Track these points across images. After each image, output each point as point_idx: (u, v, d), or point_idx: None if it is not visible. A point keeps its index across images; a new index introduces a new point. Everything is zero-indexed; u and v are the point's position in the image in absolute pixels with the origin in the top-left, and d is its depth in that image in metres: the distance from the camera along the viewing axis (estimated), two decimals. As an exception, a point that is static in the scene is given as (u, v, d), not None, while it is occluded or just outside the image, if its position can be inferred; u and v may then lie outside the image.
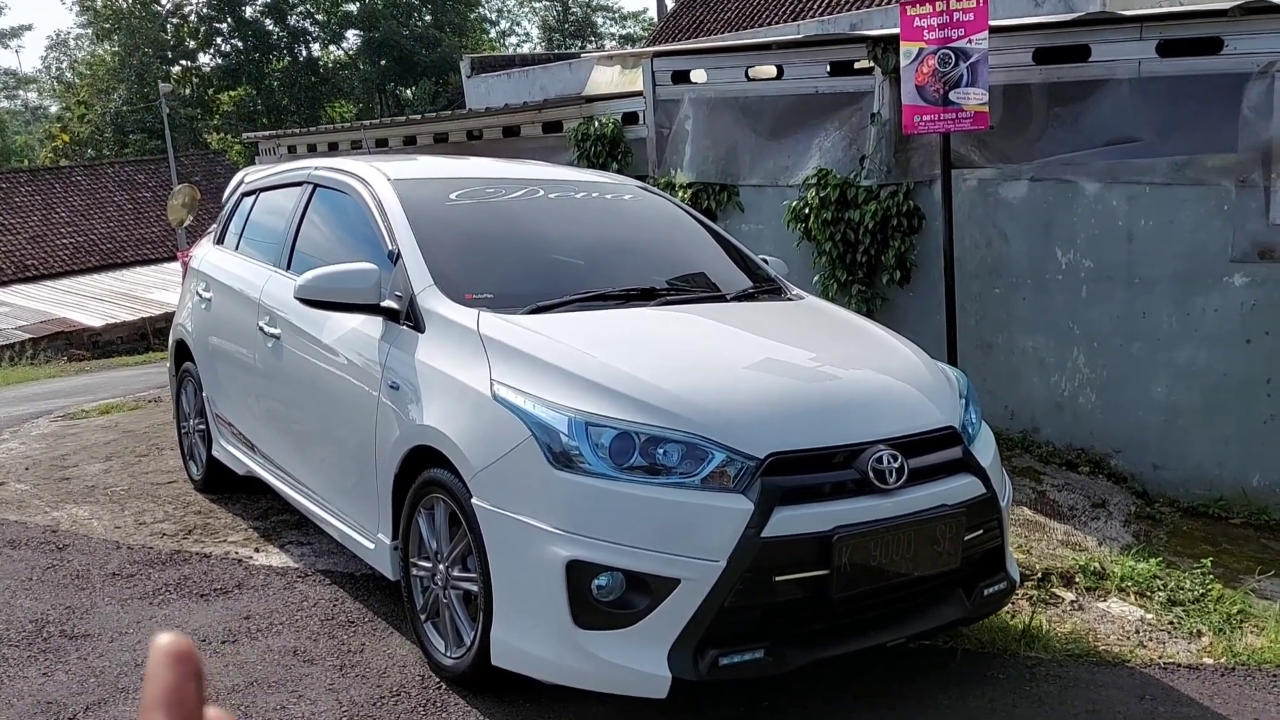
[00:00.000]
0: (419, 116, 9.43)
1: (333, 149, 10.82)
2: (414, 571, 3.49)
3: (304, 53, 44.94)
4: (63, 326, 24.13)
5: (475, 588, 3.16)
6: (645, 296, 3.81)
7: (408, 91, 43.98)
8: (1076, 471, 5.72)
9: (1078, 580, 4.42)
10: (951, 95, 5.45)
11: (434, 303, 3.57)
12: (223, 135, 38.01)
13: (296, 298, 3.74)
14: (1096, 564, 4.52)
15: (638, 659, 2.83)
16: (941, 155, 5.71)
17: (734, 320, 3.81)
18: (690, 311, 3.80)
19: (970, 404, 3.62)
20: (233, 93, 42.73)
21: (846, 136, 6.42)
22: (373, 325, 3.77)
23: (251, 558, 4.52)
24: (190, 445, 5.65)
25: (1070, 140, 5.69)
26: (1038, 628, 3.89)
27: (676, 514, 2.86)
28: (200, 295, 5.31)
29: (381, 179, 4.19)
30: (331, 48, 46.47)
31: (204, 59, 45.20)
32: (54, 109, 56.04)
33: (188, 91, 44.65)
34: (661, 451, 2.93)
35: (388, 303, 3.69)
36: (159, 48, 43.07)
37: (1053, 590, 4.36)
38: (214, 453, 5.24)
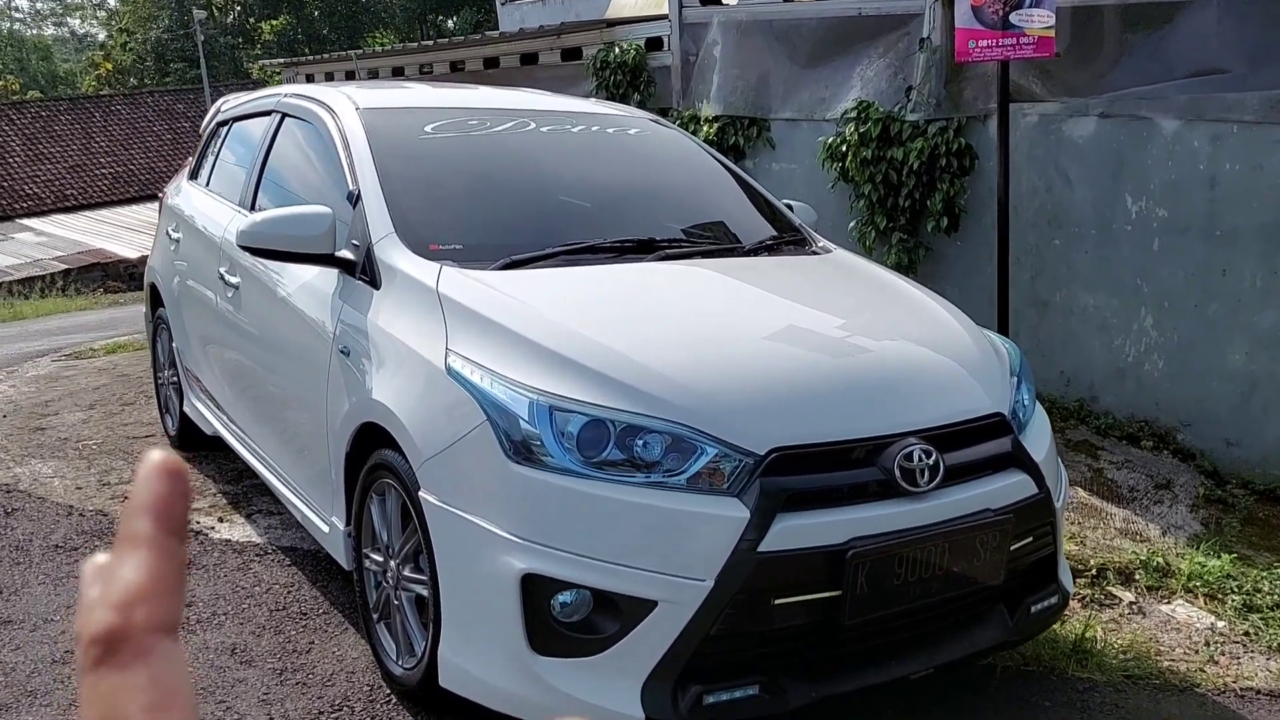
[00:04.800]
0: (430, 43, 8.83)
1: (350, 78, 10.28)
2: (366, 564, 3.03)
3: (345, -20, 44.07)
4: (99, 258, 23.97)
5: (427, 592, 2.69)
6: (642, 249, 3.26)
7: (450, 21, 43.11)
8: (1139, 446, 5.12)
9: (1138, 578, 3.88)
10: (1012, 18, 4.77)
11: (392, 254, 3.05)
12: (263, 65, 37.59)
13: (239, 245, 3.25)
14: (1160, 558, 3.97)
15: (605, 694, 2.35)
16: (998, 87, 5.04)
17: (744, 279, 3.25)
18: (694, 267, 3.25)
19: (1023, 382, 3.05)
20: (274, 22, 42.15)
21: (892, 65, 5.75)
22: (328, 278, 3.27)
23: (213, 529, 4.09)
24: (165, 398, 5.24)
25: (1147, 71, 4.99)
26: (1092, 640, 3.36)
27: (655, 521, 2.35)
28: (169, 235, 4.85)
29: (349, 108, 3.65)
30: (373, -25, 45.55)
31: (245, -15, 44.55)
32: (102, 36, 55.92)
33: (230, 20, 44.13)
34: (640, 443, 2.41)
35: (343, 252, 3.18)
36: (200, -27, 42.48)
37: (1109, 589, 3.82)
38: (185, 408, 4.81)
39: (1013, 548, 2.68)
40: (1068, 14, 5.05)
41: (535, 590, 2.36)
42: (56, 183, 28.91)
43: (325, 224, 3.15)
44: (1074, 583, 3.76)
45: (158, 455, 0.41)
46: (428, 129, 3.63)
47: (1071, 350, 5.41)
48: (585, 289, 2.95)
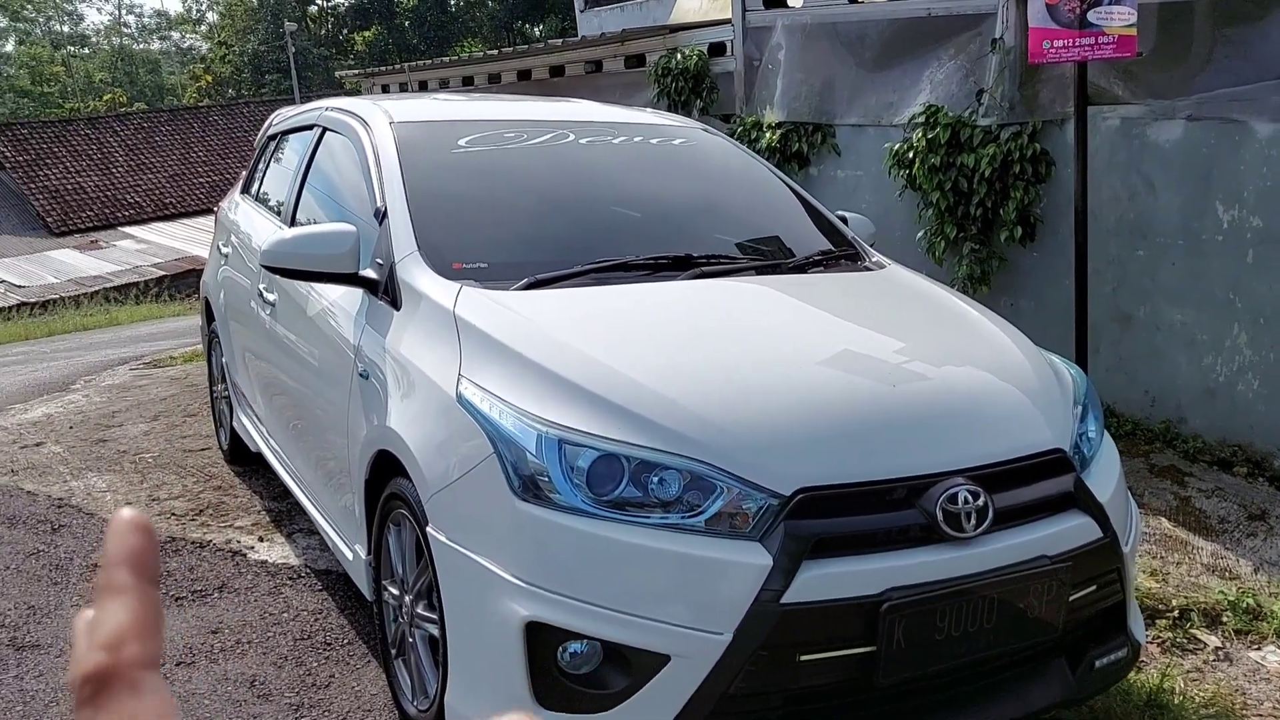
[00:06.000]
0: (495, 52, 8.77)
1: (422, 87, 10.30)
2: (385, 596, 2.91)
3: (434, -10, 44.76)
4: (196, 264, 24.65)
5: (438, 632, 2.55)
6: (677, 266, 3.08)
7: (536, 29, 43.47)
8: (1230, 473, 4.76)
9: (1225, 620, 3.57)
10: (1090, 15, 4.47)
11: (414, 273, 2.93)
12: (341, 76, 38.47)
13: (262, 266, 3.16)
14: (1250, 598, 3.65)
15: (613, 754, 2.18)
16: (1075, 89, 4.73)
17: (784, 298, 3.05)
18: (730, 286, 3.06)
19: (1089, 412, 2.79)
20: (365, 33, 43.04)
21: (962, 67, 5.47)
22: (353, 298, 3.17)
23: (252, 549, 4.04)
24: (219, 412, 5.23)
25: (1240, 71, 4.63)
26: (1169, 692, 3.08)
27: (668, 567, 2.17)
28: (220, 250, 4.83)
29: (382, 121, 3.56)
30: (461, -15, 46.19)
31: (337, -2, 45.62)
32: (204, 49, 57.81)
33: (323, 32, 45.20)
34: (656, 481, 2.23)
35: (367, 272, 3.07)
36: (294, -13, 43.60)
37: (1192, 632, 3.52)
38: (234, 423, 4.78)
39: (1073, 598, 2.44)
40: (1152, 11, 4.72)
41: (541, 639, 2.21)
42: (156, 191, 29.82)
43: (348, 243, 3.04)
44: (1154, 625, 3.48)
45: (128, 513, 0.44)
46: (461, 142, 3.51)
47: (1157, 368, 5.06)
48: (609, 310, 2.79)
